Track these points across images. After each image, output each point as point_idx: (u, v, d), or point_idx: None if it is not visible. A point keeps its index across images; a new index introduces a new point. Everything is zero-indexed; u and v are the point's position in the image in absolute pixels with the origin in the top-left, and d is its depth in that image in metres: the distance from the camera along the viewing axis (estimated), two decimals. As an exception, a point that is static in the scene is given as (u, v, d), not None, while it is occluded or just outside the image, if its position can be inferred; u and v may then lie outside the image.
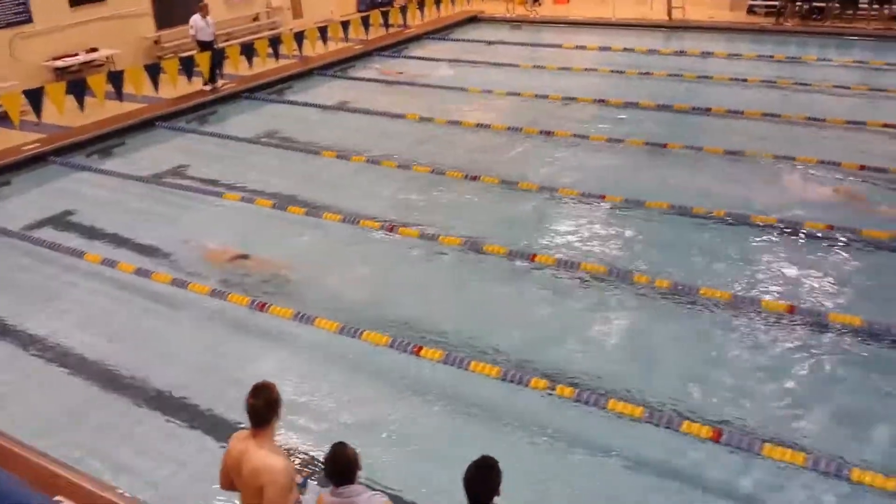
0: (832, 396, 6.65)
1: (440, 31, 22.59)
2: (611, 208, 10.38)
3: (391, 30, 21.61)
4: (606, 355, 7.36)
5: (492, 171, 11.73)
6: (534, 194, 10.96)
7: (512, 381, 6.68)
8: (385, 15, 21.32)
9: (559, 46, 19.99)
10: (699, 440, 5.98)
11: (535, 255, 9.04)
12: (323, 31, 19.28)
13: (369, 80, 17.93)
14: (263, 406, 4.17)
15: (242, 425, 4.79)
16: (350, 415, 6.60)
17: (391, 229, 9.83)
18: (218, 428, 6.40)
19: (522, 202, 10.81)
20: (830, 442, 6.04)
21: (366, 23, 20.71)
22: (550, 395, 6.56)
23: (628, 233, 9.74)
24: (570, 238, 9.68)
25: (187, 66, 16.08)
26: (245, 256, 9.36)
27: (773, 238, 9.35)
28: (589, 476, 5.86)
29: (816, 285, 8.34)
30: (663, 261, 8.91)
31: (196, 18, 16.30)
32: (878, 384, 6.78)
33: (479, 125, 14.00)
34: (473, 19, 24.25)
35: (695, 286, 8.11)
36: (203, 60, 16.15)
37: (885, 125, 12.88)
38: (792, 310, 7.64)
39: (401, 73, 18.32)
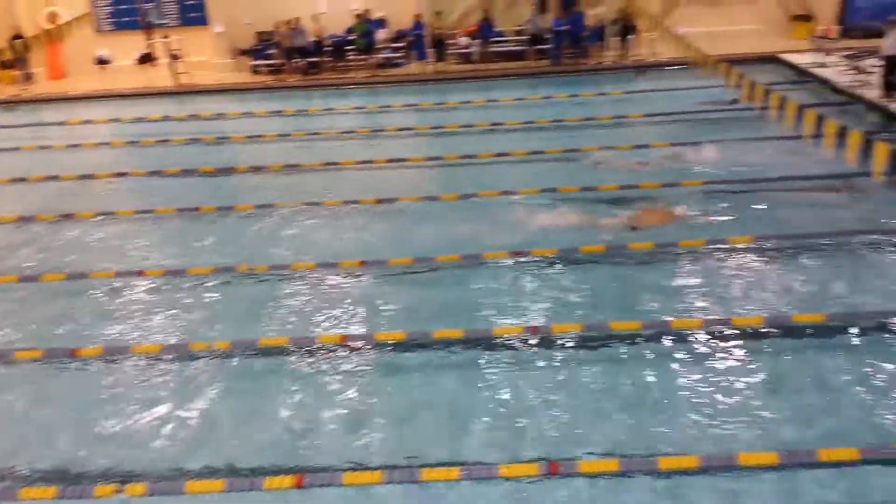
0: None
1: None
2: (151, 282, 9.87)
3: None
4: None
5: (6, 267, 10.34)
6: (62, 283, 9.89)
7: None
8: None
9: (64, 123, 18.60)
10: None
11: (76, 350, 8.13)
12: None
13: None
14: None
15: None
16: None
17: None
18: None
19: (56, 296, 9.68)
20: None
21: None
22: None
23: (170, 305, 9.35)
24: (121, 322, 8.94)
25: None
26: None
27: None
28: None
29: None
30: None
31: None
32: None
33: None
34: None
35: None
36: None
37: (389, 160, 14.49)
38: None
39: None
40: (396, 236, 11.03)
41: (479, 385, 7.30)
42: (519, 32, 22.91)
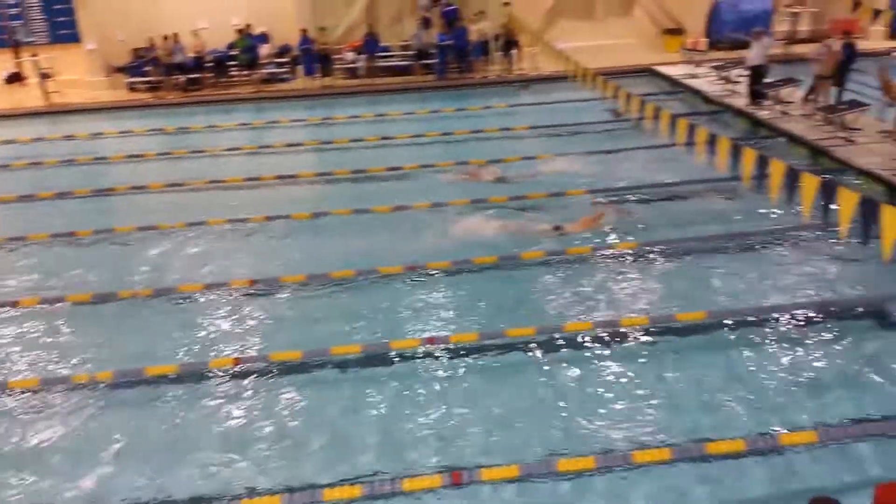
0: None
1: None
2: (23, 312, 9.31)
3: None
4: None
5: None
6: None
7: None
8: None
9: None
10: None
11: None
12: None
13: None
14: None
15: None
16: None
17: None
18: None
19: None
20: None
21: None
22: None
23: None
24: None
25: None
26: None
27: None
28: None
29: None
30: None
31: None
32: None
33: None
34: None
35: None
36: None
37: (278, 177, 14.23)
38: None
39: None
40: (287, 254, 10.84)
41: (371, 400, 7.27)
42: (405, 47, 23.07)
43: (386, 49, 22.89)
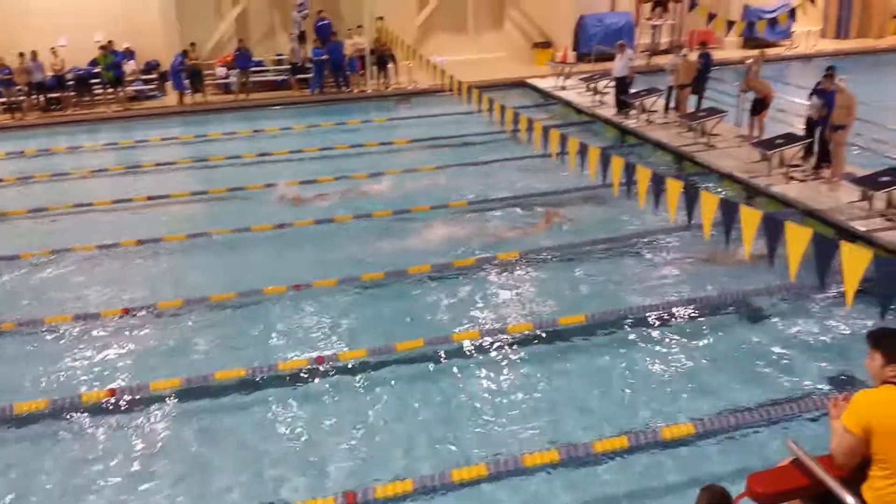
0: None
1: None
2: None
3: None
4: None
5: None
6: None
7: None
8: None
9: None
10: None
11: None
12: None
13: None
14: None
15: None
16: None
17: None
18: None
19: None
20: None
21: None
22: None
23: None
24: None
25: None
26: None
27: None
28: None
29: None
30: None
31: None
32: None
33: None
34: None
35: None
36: None
37: (149, 198, 13.68)
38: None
39: None
40: (162, 278, 10.44)
41: (272, 421, 7.10)
42: (279, 62, 22.73)
43: (259, 63, 22.49)
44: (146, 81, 21.89)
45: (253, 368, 7.81)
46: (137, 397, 7.49)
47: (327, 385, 7.65)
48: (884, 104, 13.83)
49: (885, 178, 10.55)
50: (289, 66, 22.35)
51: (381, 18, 22.30)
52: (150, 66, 22.11)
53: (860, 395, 3.87)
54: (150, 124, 19.75)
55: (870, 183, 10.66)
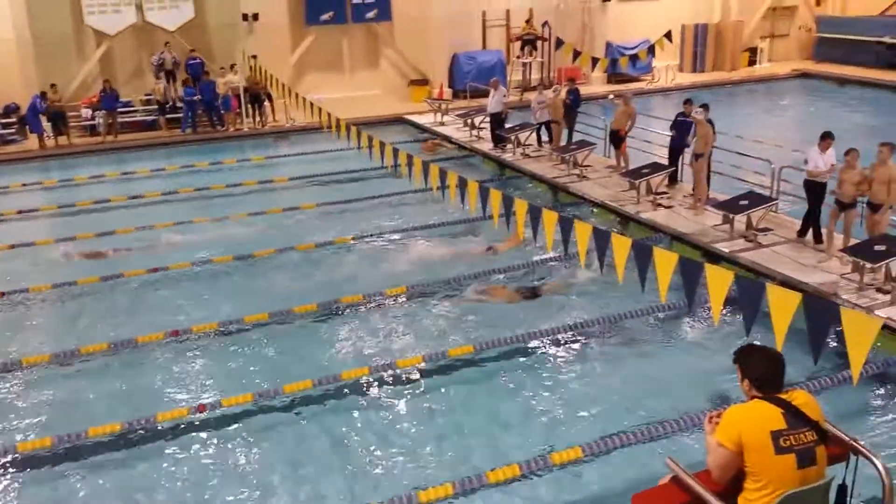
0: None
1: None
2: None
3: None
4: None
5: None
6: None
7: None
8: None
9: None
10: None
11: None
12: None
13: None
14: None
15: None
16: None
17: None
18: None
19: None
20: None
21: None
22: None
23: None
24: None
25: None
26: None
27: None
28: None
29: None
30: None
31: None
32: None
33: None
34: None
35: None
36: None
37: (10, 247, 12.87)
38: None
39: None
40: (27, 331, 9.82)
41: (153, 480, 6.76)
42: (147, 102, 22.02)
43: (127, 104, 21.71)
44: (5, 125, 20.69)
45: (126, 422, 7.44)
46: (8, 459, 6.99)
47: (212, 433, 7.38)
48: (740, 132, 14.88)
49: (743, 202, 11.30)
50: (157, 106, 21.67)
51: (254, 57, 22.02)
52: (9, 110, 20.92)
53: (731, 410, 4.05)
54: (9, 170, 18.58)
55: (730, 207, 11.38)
